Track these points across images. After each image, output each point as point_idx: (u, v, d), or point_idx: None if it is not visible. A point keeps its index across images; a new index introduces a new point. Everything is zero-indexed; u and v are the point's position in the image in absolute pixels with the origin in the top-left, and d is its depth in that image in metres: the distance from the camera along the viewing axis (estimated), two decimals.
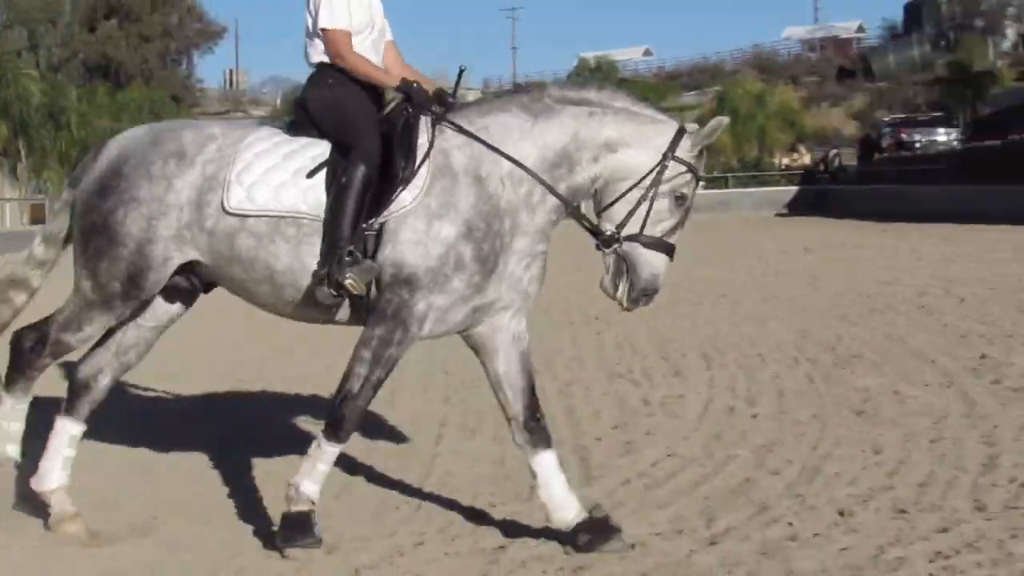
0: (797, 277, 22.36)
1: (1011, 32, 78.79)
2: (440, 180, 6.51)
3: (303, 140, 6.70)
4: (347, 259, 6.32)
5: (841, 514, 7.08)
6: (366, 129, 6.64)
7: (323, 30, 6.76)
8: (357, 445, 8.17)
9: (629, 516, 7.17)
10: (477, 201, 6.53)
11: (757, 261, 26.81)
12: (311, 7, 6.84)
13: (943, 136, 55.43)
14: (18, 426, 6.89)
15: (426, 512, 7.55)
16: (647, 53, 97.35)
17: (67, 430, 6.99)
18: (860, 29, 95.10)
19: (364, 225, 6.41)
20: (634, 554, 6.48)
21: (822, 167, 59.66)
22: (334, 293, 6.39)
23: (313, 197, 6.49)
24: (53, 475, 6.89)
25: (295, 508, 6.44)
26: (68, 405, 7.05)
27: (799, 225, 42.48)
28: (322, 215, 6.45)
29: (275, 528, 6.65)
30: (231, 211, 6.47)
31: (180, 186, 6.54)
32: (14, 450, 6.87)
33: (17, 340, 6.91)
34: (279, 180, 6.51)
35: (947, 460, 8.19)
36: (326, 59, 6.85)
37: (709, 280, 22.11)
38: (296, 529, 6.42)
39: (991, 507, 7.01)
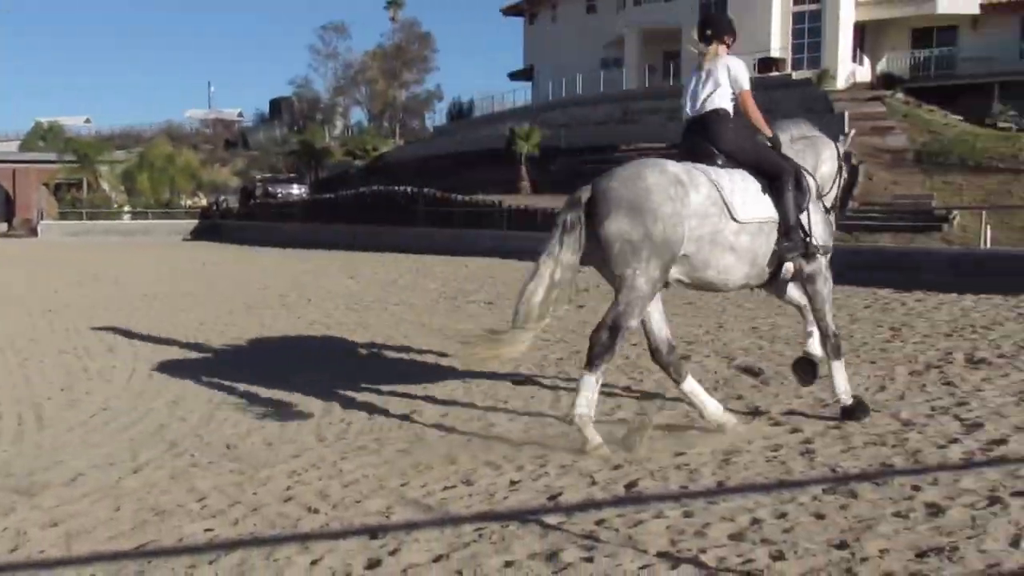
0: (198, 282, 21.80)
1: (340, 123, 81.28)
2: None
3: (734, 171, 6.70)
4: (802, 243, 6.77)
5: (228, 447, 6.97)
6: (786, 160, 6.93)
7: (745, 91, 6.87)
8: None
9: (71, 455, 6.70)
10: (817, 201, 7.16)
11: (169, 271, 25.93)
12: (730, 74, 6.88)
13: (296, 190, 55.98)
14: (596, 395, 6.36)
15: None
16: (88, 120, 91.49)
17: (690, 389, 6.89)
18: (240, 114, 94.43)
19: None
20: (77, 481, 6.07)
21: (215, 207, 58.60)
22: (793, 266, 6.78)
23: (770, 207, 6.69)
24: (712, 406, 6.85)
25: (847, 403, 6.93)
26: (675, 374, 6.87)
27: (199, 247, 41.55)
28: (775, 218, 6.68)
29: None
30: (739, 220, 6.51)
31: (690, 202, 6.35)
32: (588, 408, 6.33)
33: (597, 334, 6.31)
34: (752, 198, 6.62)
35: (296, 407, 8.22)
36: (727, 107, 6.88)
37: (135, 284, 21.31)
38: (858, 411, 6.88)
39: (328, 439, 7.13)
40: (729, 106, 6.93)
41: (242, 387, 9.11)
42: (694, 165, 6.64)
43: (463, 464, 6.18)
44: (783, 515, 4.91)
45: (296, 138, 70.11)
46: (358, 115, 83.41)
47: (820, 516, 4.87)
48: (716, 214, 6.44)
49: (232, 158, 77.98)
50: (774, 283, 7.06)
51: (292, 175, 63.17)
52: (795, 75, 42.44)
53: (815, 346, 7.46)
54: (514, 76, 61.81)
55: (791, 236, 6.74)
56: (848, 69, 44.15)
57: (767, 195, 6.72)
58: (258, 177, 64.52)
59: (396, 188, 39.45)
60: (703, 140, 6.86)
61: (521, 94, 59.17)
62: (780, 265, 6.78)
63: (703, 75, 6.98)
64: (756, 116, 6.99)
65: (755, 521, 4.84)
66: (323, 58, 79.41)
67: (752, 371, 8.84)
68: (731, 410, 7.09)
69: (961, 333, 10.82)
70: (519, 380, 8.88)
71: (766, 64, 43.25)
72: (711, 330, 11.70)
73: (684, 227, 6.30)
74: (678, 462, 6.00)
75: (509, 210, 33.35)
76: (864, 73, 45.00)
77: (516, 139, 42.06)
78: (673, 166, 6.50)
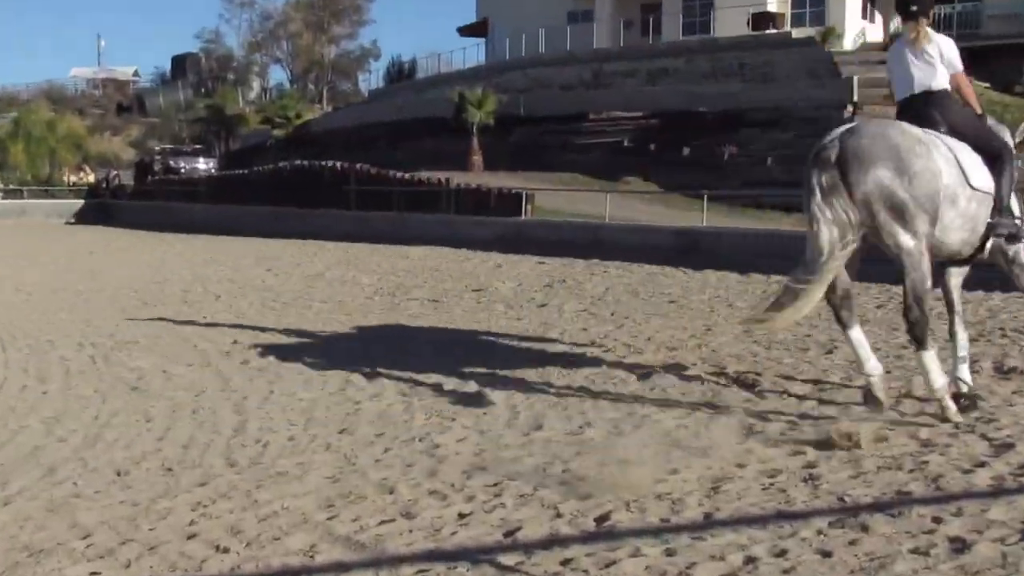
0: (83, 274, 21.59)
1: (256, 85, 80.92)
2: None
3: (958, 143, 7.53)
4: (1014, 223, 7.70)
5: (119, 474, 6.89)
6: (1004, 138, 7.98)
7: (959, 72, 7.90)
8: None
9: None
10: None
11: (49, 261, 25.64)
12: (943, 55, 7.80)
13: (203, 164, 55.51)
14: (939, 364, 7.39)
15: None
16: None
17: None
18: (136, 73, 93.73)
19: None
20: None
21: (104, 185, 58.01)
22: (1004, 236, 7.68)
23: (989, 180, 7.60)
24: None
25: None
26: (844, 319, 7.71)
27: (85, 232, 41.05)
28: (992, 192, 7.59)
29: None
30: (974, 187, 7.44)
31: (934, 159, 7.25)
32: (945, 379, 7.43)
33: (909, 313, 7.24)
34: (979, 167, 7.54)
35: (205, 426, 8.17)
36: (948, 87, 7.87)
37: (7, 276, 21.05)
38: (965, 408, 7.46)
39: (240, 463, 7.06)
40: (949, 86, 7.92)
41: (136, 401, 9.01)
42: (924, 129, 7.56)
43: (402, 493, 6.14)
44: (782, 552, 4.92)
45: (203, 102, 69.62)
46: (278, 75, 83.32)
47: (826, 553, 4.88)
48: (955, 175, 7.40)
49: (126, 126, 77.33)
50: (969, 263, 8.12)
51: (198, 147, 62.67)
52: (795, 33, 42.80)
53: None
54: (465, 31, 61.75)
55: (1004, 214, 7.70)
56: (857, 27, 44.59)
57: (985, 169, 7.66)
58: (157, 149, 63.92)
59: (323, 163, 39.13)
60: (930, 114, 7.78)
61: (473, 53, 59.26)
62: (983, 244, 7.74)
63: (916, 54, 7.91)
64: (972, 97, 8.07)
65: (749, 560, 4.85)
66: (236, 7, 79.07)
67: (746, 383, 8.88)
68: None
69: (988, 337, 10.94)
70: (468, 394, 8.84)
71: (762, 20, 43.58)
72: (697, 333, 11.74)
73: (933, 184, 7.22)
74: (658, 490, 5.99)
75: (458, 190, 33.20)
76: (875, 32, 45.45)
77: (467, 106, 41.95)
78: (910, 127, 7.47)
